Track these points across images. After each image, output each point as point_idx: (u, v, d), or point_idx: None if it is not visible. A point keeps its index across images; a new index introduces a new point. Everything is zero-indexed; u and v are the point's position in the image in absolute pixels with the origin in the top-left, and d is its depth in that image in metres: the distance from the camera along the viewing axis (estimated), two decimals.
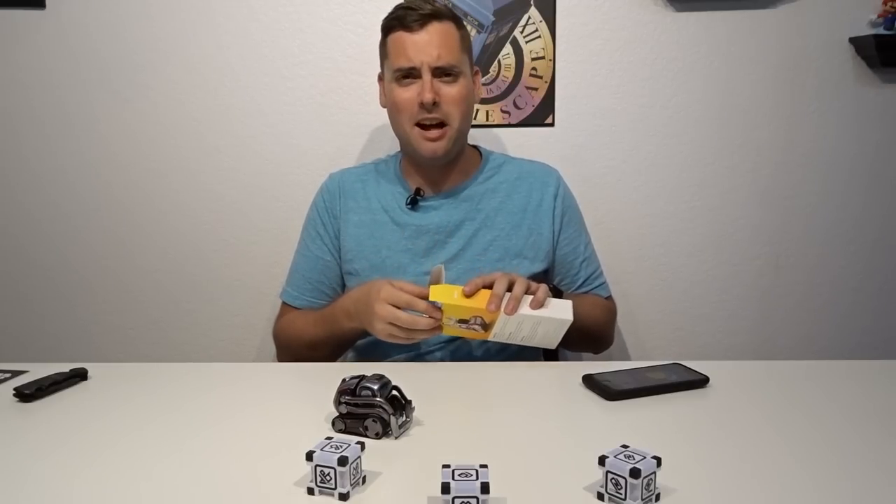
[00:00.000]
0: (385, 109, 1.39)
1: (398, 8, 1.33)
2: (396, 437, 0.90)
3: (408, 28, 1.29)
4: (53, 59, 1.69)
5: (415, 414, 0.96)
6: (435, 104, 1.28)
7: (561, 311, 1.15)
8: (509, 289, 1.14)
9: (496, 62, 1.67)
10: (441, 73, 1.29)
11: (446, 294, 1.13)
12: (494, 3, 1.64)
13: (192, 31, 1.67)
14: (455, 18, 1.33)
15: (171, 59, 1.69)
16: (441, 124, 1.31)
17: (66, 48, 1.69)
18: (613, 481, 0.74)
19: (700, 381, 1.07)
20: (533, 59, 1.67)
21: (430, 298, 1.13)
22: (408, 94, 1.30)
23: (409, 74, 1.30)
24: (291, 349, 1.40)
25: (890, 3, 1.57)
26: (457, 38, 1.32)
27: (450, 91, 1.30)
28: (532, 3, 1.64)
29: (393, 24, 1.31)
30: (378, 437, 0.90)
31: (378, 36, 1.64)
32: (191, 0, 1.66)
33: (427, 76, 1.28)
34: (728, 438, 0.91)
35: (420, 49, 1.28)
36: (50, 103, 1.71)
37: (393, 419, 0.90)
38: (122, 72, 1.69)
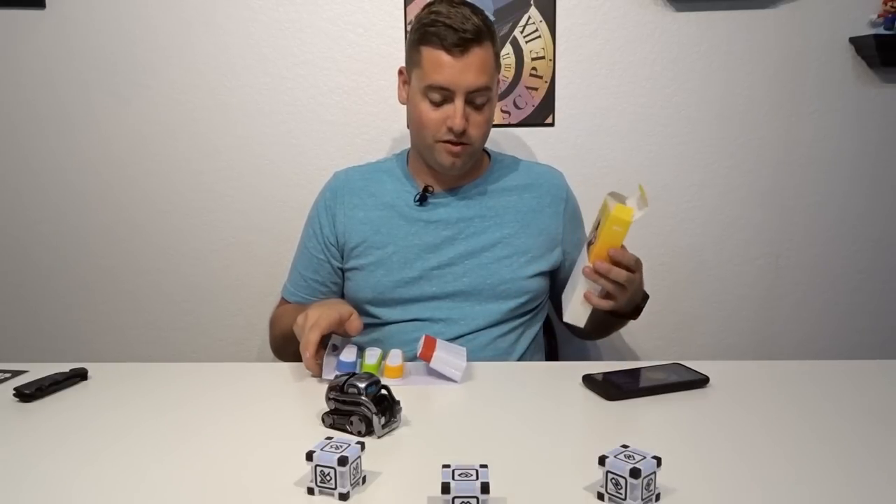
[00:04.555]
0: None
1: (437, 21, 1.25)
2: (380, 437, 0.91)
3: (448, 51, 1.24)
4: (53, 59, 1.69)
5: (416, 415, 0.96)
6: (463, 131, 1.28)
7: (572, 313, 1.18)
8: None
9: None
10: (475, 97, 1.27)
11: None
12: (494, 3, 1.64)
13: (193, 31, 1.67)
14: (492, 35, 1.29)
15: (172, 59, 1.69)
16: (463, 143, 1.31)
17: (66, 48, 1.69)
18: (613, 481, 0.74)
19: (700, 381, 1.07)
20: (533, 59, 1.67)
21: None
22: (436, 114, 1.28)
23: (441, 97, 1.27)
24: (276, 340, 1.41)
25: (890, 3, 1.57)
26: (492, 59, 1.29)
27: (478, 118, 1.29)
28: (532, 3, 1.64)
29: (432, 39, 1.25)
30: (361, 434, 0.91)
31: (378, 35, 1.66)
32: (191, 0, 1.66)
33: (460, 103, 1.26)
34: (728, 438, 0.91)
35: (458, 75, 1.25)
36: (50, 103, 1.71)
37: (376, 418, 0.90)
38: (122, 72, 1.69)
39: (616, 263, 1.14)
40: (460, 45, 1.24)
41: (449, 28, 1.24)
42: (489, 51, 1.28)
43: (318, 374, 1.12)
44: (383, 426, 0.91)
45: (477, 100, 1.28)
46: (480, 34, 1.26)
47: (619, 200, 1.15)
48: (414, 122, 1.33)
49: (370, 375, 0.94)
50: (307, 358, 1.11)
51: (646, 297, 1.31)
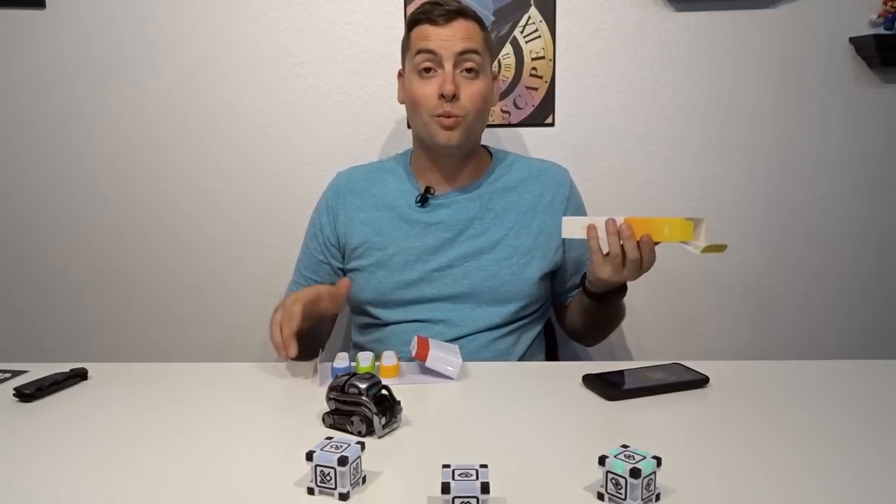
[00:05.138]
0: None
1: (424, 4, 1.32)
2: (380, 437, 0.91)
3: (433, 22, 1.29)
4: (53, 59, 1.69)
5: (416, 414, 0.96)
6: (455, 97, 1.28)
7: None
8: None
9: (496, 62, 1.67)
10: (463, 60, 1.29)
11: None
12: (494, 3, 1.64)
13: (192, 31, 1.67)
14: (480, 20, 1.33)
15: (171, 59, 1.69)
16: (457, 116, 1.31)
17: (66, 48, 1.69)
18: (613, 481, 0.74)
19: (700, 381, 1.07)
20: (533, 59, 1.67)
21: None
22: (428, 87, 1.30)
23: (430, 63, 1.29)
24: None
25: (890, 3, 1.57)
26: (481, 36, 1.32)
27: (469, 88, 1.30)
28: (532, 3, 1.64)
29: (419, 17, 1.31)
30: (361, 435, 0.91)
31: (378, 35, 1.67)
32: (190, 0, 1.66)
33: (449, 65, 1.28)
34: (728, 438, 0.91)
35: (444, 40, 1.28)
36: (50, 103, 1.71)
37: (376, 419, 0.90)
38: (122, 72, 1.70)
39: (639, 246, 1.14)
40: (444, 15, 1.29)
41: (434, 4, 1.30)
42: (476, 26, 1.32)
43: (287, 352, 1.10)
44: (384, 426, 0.91)
45: (466, 64, 1.29)
46: (465, 11, 1.31)
47: (701, 226, 1.13)
48: (409, 105, 1.35)
49: (371, 376, 0.93)
50: (288, 332, 1.10)
51: (624, 288, 1.29)
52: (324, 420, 0.94)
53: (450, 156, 1.36)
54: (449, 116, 1.29)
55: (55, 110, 1.72)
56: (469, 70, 1.29)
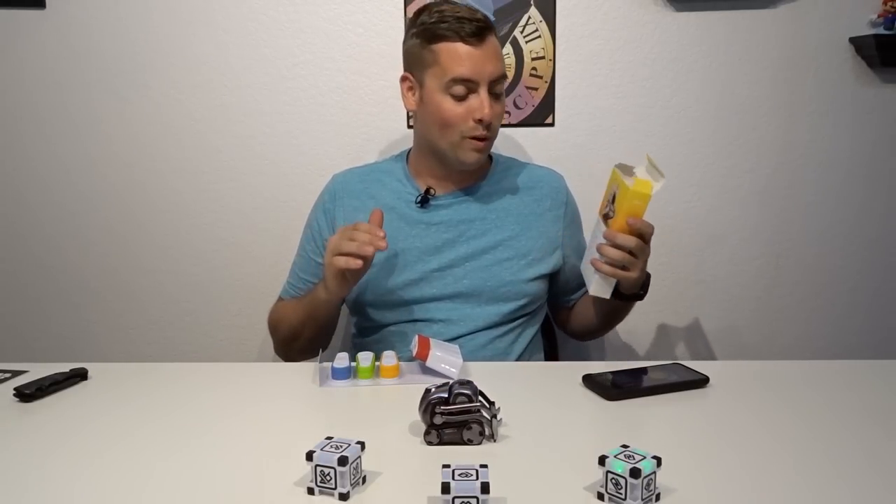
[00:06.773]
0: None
1: (446, 17, 1.26)
2: (496, 440, 0.89)
3: (465, 41, 1.25)
4: (54, 59, 1.69)
5: (416, 414, 0.95)
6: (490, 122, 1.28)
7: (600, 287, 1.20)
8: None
9: None
10: (493, 86, 1.27)
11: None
12: (494, 3, 1.64)
13: (193, 30, 1.67)
14: (494, 28, 1.32)
15: (172, 58, 1.69)
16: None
17: (67, 48, 1.69)
18: (613, 481, 0.74)
19: (700, 381, 1.07)
20: (533, 59, 1.67)
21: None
22: (461, 109, 1.27)
23: (466, 90, 1.26)
24: (278, 333, 1.41)
25: (890, 3, 1.58)
26: (500, 50, 1.31)
27: (497, 109, 1.30)
28: (532, 3, 1.64)
29: (446, 33, 1.25)
30: (478, 443, 0.88)
31: (379, 35, 1.67)
32: (191, 0, 1.66)
33: (485, 92, 1.26)
34: (728, 438, 0.91)
35: (481, 63, 1.25)
36: (50, 103, 1.71)
37: (494, 422, 0.89)
38: (123, 72, 1.69)
39: (638, 234, 1.15)
40: (478, 33, 1.25)
41: (462, 20, 1.25)
42: (497, 40, 1.30)
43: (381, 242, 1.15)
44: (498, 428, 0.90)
45: (496, 89, 1.28)
46: (490, 24, 1.29)
47: (626, 172, 1.14)
48: (436, 123, 1.30)
49: (468, 381, 0.91)
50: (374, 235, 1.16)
51: (648, 275, 1.29)
52: (427, 438, 0.89)
53: (467, 170, 1.36)
54: (483, 140, 1.29)
55: (55, 110, 1.71)
56: (497, 91, 1.29)
